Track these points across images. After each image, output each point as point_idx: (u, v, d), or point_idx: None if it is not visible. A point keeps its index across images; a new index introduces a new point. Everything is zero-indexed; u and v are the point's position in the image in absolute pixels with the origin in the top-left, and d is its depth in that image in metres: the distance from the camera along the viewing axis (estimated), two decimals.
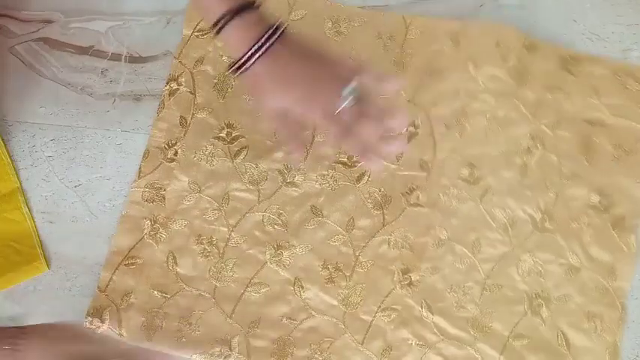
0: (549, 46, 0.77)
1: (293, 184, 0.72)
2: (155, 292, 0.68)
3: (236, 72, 0.65)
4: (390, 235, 0.70)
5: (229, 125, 0.74)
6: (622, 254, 0.69)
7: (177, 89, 0.75)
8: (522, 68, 0.75)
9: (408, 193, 0.71)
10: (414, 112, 0.74)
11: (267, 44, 0.63)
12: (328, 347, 0.66)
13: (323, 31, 0.77)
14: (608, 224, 0.70)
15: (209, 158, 0.72)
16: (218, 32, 0.64)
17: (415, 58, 0.76)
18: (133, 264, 0.69)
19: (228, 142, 0.73)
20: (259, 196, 0.71)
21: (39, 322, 0.67)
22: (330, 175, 0.72)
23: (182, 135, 0.73)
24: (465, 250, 0.70)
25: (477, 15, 0.79)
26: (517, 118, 0.74)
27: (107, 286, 0.68)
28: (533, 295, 0.68)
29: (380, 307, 0.68)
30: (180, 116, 0.74)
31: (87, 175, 0.72)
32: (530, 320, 0.67)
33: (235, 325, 0.67)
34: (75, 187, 0.72)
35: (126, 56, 0.77)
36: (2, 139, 0.73)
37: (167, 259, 0.69)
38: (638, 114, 0.74)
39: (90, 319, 0.67)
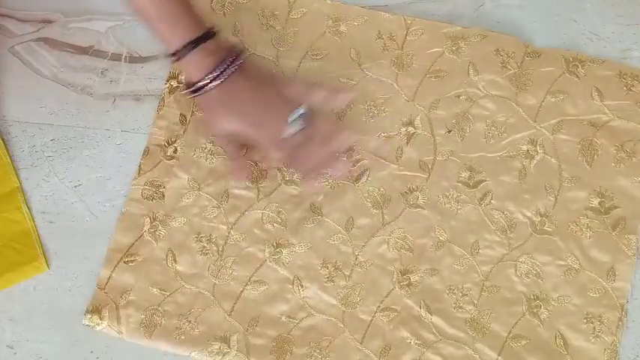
0: (552, 50, 0.77)
1: (292, 182, 0.72)
2: (154, 290, 0.68)
3: (190, 94, 0.68)
4: (390, 235, 0.70)
5: None
6: (622, 255, 0.69)
7: (178, 87, 0.75)
8: (523, 75, 0.75)
9: (408, 193, 0.72)
10: (414, 113, 0.74)
11: (225, 73, 0.66)
12: (327, 346, 0.66)
13: (323, 29, 0.77)
14: (607, 225, 0.70)
15: (208, 156, 0.72)
16: (177, 60, 0.67)
17: (415, 59, 0.76)
18: (132, 261, 0.69)
19: None
20: (258, 194, 0.71)
21: (39, 322, 0.67)
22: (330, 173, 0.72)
23: (182, 133, 0.73)
24: (463, 251, 0.70)
25: (477, 15, 0.79)
26: (517, 123, 0.74)
27: (106, 283, 0.68)
28: (532, 297, 0.68)
29: (379, 307, 0.68)
30: (180, 114, 0.74)
31: (87, 175, 0.72)
32: (528, 321, 0.67)
33: (234, 323, 0.67)
34: (75, 187, 0.72)
35: (126, 56, 0.77)
36: (2, 139, 0.73)
37: (166, 256, 0.69)
38: None
39: (89, 316, 0.67)
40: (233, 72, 0.67)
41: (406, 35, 0.77)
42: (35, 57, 0.76)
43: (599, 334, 0.67)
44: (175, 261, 0.69)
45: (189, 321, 0.67)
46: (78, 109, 0.74)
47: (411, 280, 0.69)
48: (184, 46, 0.66)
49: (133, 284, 0.68)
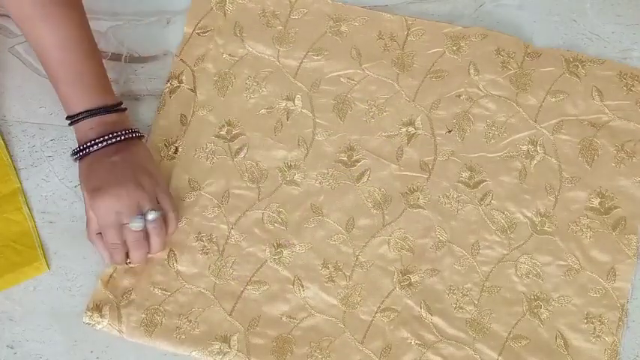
0: (552, 51, 0.77)
1: (293, 182, 0.72)
2: (155, 290, 0.68)
3: (74, 155, 0.66)
4: (390, 235, 0.70)
5: (229, 123, 0.74)
6: (622, 255, 0.69)
7: (179, 87, 0.75)
8: (523, 75, 0.75)
9: (408, 194, 0.72)
10: (414, 113, 0.74)
11: (102, 144, 0.64)
12: (328, 346, 0.66)
13: (324, 30, 0.77)
14: (608, 226, 0.70)
15: (209, 156, 0.72)
16: (72, 123, 0.66)
17: (416, 59, 0.76)
18: None
19: (229, 140, 0.73)
20: (259, 194, 0.71)
21: (39, 323, 0.67)
22: (330, 173, 0.72)
23: (182, 133, 0.73)
24: (464, 252, 0.70)
25: (477, 15, 0.79)
26: (517, 123, 0.74)
27: (108, 282, 0.68)
28: (532, 297, 0.68)
29: (379, 307, 0.68)
30: (181, 114, 0.74)
31: None
32: (528, 321, 0.67)
33: (235, 323, 0.67)
34: (75, 187, 0.72)
35: (126, 56, 0.77)
36: (3, 139, 0.73)
37: (167, 256, 0.69)
38: None
39: (89, 314, 0.66)
40: (109, 145, 0.65)
41: (407, 35, 0.77)
42: (35, 57, 0.76)
43: (600, 334, 0.67)
44: (176, 261, 0.69)
45: (190, 320, 0.67)
46: None
47: (412, 280, 0.69)
48: (81, 113, 0.65)
49: (134, 284, 0.68)
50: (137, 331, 0.66)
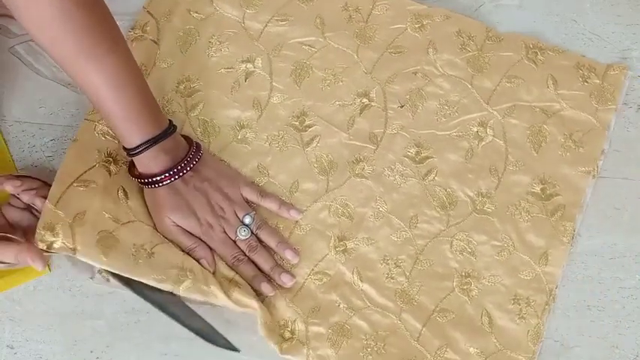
0: (514, 36, 0.77)
1: (244, 140, 0.73)
2: (107, 216, 0.66)
3: (141, 184, 0.67)
4: (332, 202, 0.71)
5: (188, 79, 0.75)
6: (557, 241, 0.69)
7: (142, 36, 0.76)
8: (482, 58, 0.76)
9: (354, 163, 0.72)
10: (370, 85, 0.75)
11: (180, 172, 0.66)
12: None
13: None
14: (546, 211, 0.70)
15: (164, 108, 0.73)
16: (132, 156, 0.66)
17: (378, 33, 0.77)
18: (86, 186, 0.66)
19: (185, 95, 0.74)
20: (209, 149, 0.72)
21: (39, 322, 0.67)
22: (281, 136, 0.73)
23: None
24: (402, 224, 0.70)
25: (477, 15, 0.80)
26: (469, 104, 0.74)
27: (58, 202, 0.64)
28: (463, 274, 0.69)
29: (313, 270, 0.69)
30: (141, 63, 0.74)
31: None
32: (457, 297, 0.68)
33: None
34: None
35: None
36: (4, 139, 0.73)
37: (117, 192, 0.68)
38: (593, 108, 0.74)
39: (42, 232, 0.62)
40: (187, 171, 0.67)
41: (372, 9, 0.78)
42: (35, 57, 0.76)
43: (525, 315, 0.67)
44: (127, 197, 0.68)
45: (145, 249, 0.65)
46: (78, 109, 0.74)
47: (347, 246, 0.69)
48: (142, 144, 0.65)
49: (87, 205, 0.65)
50: (92, 249, 0.63)
